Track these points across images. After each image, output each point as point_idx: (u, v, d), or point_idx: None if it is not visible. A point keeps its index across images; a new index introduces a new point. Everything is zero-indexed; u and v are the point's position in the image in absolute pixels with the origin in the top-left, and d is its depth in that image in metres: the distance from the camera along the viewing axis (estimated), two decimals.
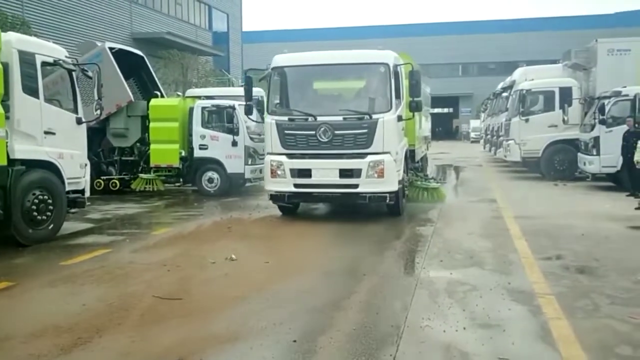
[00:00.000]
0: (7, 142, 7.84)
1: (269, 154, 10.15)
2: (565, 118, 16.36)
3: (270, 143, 10.07)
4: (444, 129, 65.10)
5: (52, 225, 8.81)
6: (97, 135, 14.63)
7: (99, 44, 14.96)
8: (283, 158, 9.93)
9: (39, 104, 8.56)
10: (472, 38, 59.68)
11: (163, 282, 6.52)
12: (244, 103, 11.02)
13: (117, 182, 14.88)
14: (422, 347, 4.64)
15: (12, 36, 8.39)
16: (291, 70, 10.40)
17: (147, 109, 14.80)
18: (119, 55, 14.77)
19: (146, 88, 15.99)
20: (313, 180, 9.83)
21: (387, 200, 9.82)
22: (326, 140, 9.65)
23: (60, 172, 8.93)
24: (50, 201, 8.70)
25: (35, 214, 8.47)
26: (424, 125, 15.14)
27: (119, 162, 15.24)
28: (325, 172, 9.77)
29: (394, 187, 9.82)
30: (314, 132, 9.71)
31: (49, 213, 8.70)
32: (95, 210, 12.09)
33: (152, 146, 14.72)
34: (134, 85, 15.84)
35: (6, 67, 7.89)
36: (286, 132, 9.91)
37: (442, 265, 7.18)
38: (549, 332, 4.91)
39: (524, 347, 4.62)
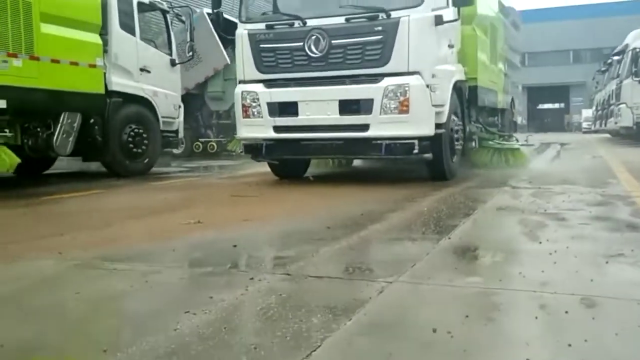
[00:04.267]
0: (105, 73, 8.30)
1: (240, 82, 7.04)
2: None
3: (241, 66, 6.95)
4: (554, 123, 61.97)
5: (147, 160, 9.23)
6: (196, 100, 15.22)
7: (197, 10, 15.56)
8: (258, 87, 6.77)
9: (135, 41, 9.01)
10: (584, 23, 56.27)
11: (243, 190, 6.63)
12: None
13: (214, 144, 15.39)
14: (493, 215, 4.40)
15: None
16: None
17: None
18: (217, 22, 15.27)
19: None
20: (300, 120, 6.60)
21: (415, 151, 6.26)
22: (319, 55, 6.41)
23: (155, 109, 9.34)
24: (145, 136, 9.12)
25: (131, 146, 8.90)
26: (503, 57, 10.97)
27: (216, 125, 15.78)
28: (318, 106, 6.49)
29: (427, 129, 6.32)
30: (301, 44, 6.49)
31: (144, 147, 9.11)
32: (192, 161, 12.62)
33: None
34: (232, 52, 16.30)
35: (105, 3, 8.36)
36: (262, 46, 6.74)
37: (532, 184, 6.76)
38: (639, 211, 4.48)
39: (608, 213, 4.24)
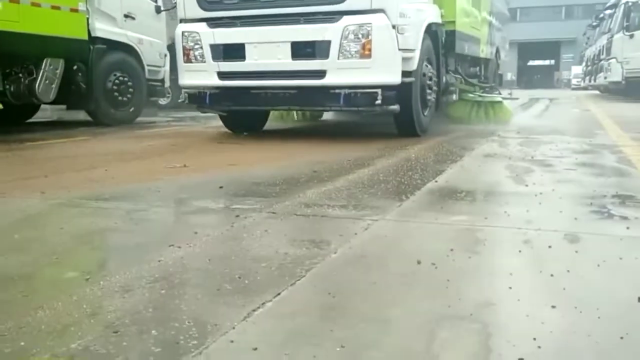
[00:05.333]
0: (87, 18, 8.08)
1: (181, 21, 6.29)
2: None
3: (182, 1, 6.18)
4: (543, 80, 61.70)
5: (132, 108, 9.10)
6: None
7: None
8: (200, 27, 6.00)
9: None
10: None
11: (230, 138, 6.58)
12: None
13: None
14: (481, 162, 4.41)
15: None
16: None
17: None
18: None
19: None
20: (248, 64, 5.81)
21: (378, 102, 5.51)
22: None
23: (140, 57, 9.15)
24: (130, 84, 8.96)
25: (116, 94, 8.75)
26: (487, 4, 9.90)
27: None
28: (268, 49, 5.71)
29: (392, 77, 5.54)
30: None
31: (129, 95, 8.96)
32: (179, 112, 12.46)
33: None
34: None
35: None
36: None
37: (520, 134, 6.76)
38: (625, 158, 4.50)
39: (593, 160, 4.26)
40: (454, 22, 7.22)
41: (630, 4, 16.19)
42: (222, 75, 5.95)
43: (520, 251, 2.16)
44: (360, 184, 3.52)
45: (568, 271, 1.92)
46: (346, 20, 5.44)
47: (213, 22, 5.94)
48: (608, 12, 19.03)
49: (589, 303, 1.65)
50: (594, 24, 22.82)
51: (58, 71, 7.70)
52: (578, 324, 1.53)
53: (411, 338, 1.47)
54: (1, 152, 5.34)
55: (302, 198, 3.11)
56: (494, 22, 10.70)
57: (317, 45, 5.55)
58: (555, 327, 1.50)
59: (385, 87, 5.53)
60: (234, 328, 1.50)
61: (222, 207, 2.95)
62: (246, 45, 5.79)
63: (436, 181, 3.59)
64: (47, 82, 7.58)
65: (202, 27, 5.98)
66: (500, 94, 9.99)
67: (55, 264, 2.10)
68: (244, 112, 6.74)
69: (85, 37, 8.00)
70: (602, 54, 18.87)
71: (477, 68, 9.54)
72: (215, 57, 5.92)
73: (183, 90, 6.43)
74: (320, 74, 5.57)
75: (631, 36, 16.11)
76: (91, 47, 8.23)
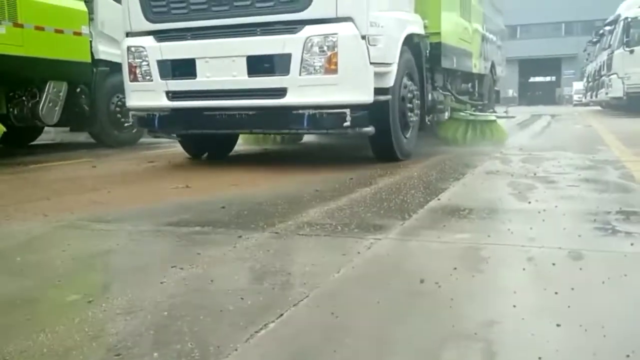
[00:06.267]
0: (91, 41, 8.16)
1: (127, 35, 5.63)
2: None
3: (127, 12, 5.55)
4: (545, 96, 61.90)
5: (135, 130, 9.11)
6: None
7: None
8: (147, 41, 5.38)
9: (121, 8, 8.84)
10: None
11: (232, 158, 6.60)
12: None
13: None
14: (483, 179, 4.41)
15: None
16: None
17: None
18: None
19: None
20: (199, 82, 5.20)
21: (347, 124, 4.85)
22: None
23: None
24: None
25: (119, 116, 8.79)
26: (479, 15, 9.17)
27: None
28: (221, 64, 5.08)
29: (363, 95, 4.91)
30: None
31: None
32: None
33: None
34: None
35: None
36: None
37: (522, 150, 6.76)
38: (628, 174, 4.50)
39: (596, 176, 4.25)
40: (439, 33, 6.47)
41: (629, 19, 16.28)
42: (171, 95, 5.35)
43: (524, 269, 2.15)
44: (363, 203, 3.52)
45: (572, 289, 1.91)
46: (308, 30, 4.82)
47: (160, 36, 5.34)
48: (608, 28, 19.13)
49: (594, 321, 1.64)
50: (594, 40, 22.93)
51: (61, 94, 7.77)
52: (583, 343, 1.52)
53: (415, 358, 1.46)
54: (5, 174, 5.36)
55: (305, 217, 3.11)
56: (488, 35, 10.09)
57: (275, 60, 4.95)
58: (561, 346, 1.49)
59: (354, 107, 4.89)
60: (236, 350, 1.50)
61: (225, 228, 2.95)
62: (197, 61, 5.17)
63: (439, 199, 3.58)
64: (50, 105, 7.63)
65: (148, 41, 5.36)
66: (495, 112, 9.56)
67: (58, 286, 2.09)
68: (204, 136, 6.07)
69: (89, 60, 8.08)
70: (603, 69, 18.93)
71: (470, 84, 8.96)
72: (163, 75, 5.31)
73: (130, 113, 5.86)
74: (280, 92, 4.94)
75: (631, 52, 16.15)
76: (94, 70, 8.31)
